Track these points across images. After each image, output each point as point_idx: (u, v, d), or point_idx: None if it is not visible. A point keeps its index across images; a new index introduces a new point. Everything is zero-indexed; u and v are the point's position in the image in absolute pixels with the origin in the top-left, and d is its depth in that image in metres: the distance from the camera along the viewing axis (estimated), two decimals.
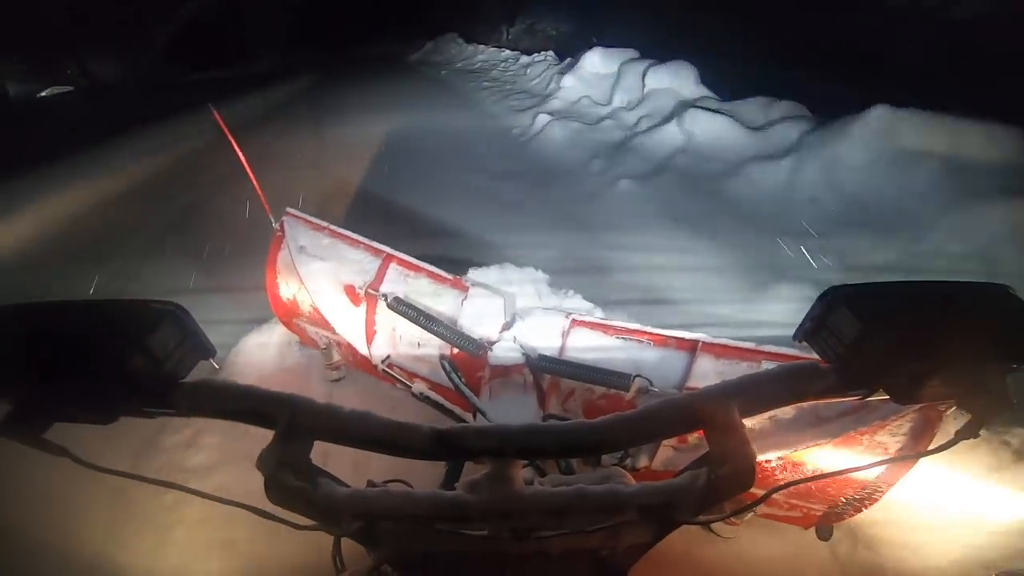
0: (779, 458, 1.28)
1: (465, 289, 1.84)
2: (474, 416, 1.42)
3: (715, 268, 3.47)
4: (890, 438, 1.21)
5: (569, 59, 9.74)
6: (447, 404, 1.62)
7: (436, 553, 0.66)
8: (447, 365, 1.59)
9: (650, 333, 1.62)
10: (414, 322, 1.72)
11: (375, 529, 0.64)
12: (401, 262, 1.92)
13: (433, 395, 1.64)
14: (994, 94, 4.31)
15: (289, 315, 2.14)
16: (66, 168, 5.39)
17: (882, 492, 1.28)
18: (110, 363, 0.55)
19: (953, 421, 0.61)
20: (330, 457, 0.72)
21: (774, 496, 0.65)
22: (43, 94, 11.92)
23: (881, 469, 1.25)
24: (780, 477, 1.31)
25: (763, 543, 1.62)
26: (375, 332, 1.92)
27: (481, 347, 1.63)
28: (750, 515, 0.90)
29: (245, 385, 0.62)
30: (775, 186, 4.34)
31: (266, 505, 0.60)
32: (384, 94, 10.89)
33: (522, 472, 0.60)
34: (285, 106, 10.36)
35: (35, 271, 3.65)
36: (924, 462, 1.15)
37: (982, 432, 0.59)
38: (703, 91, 6.55)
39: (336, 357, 2.21)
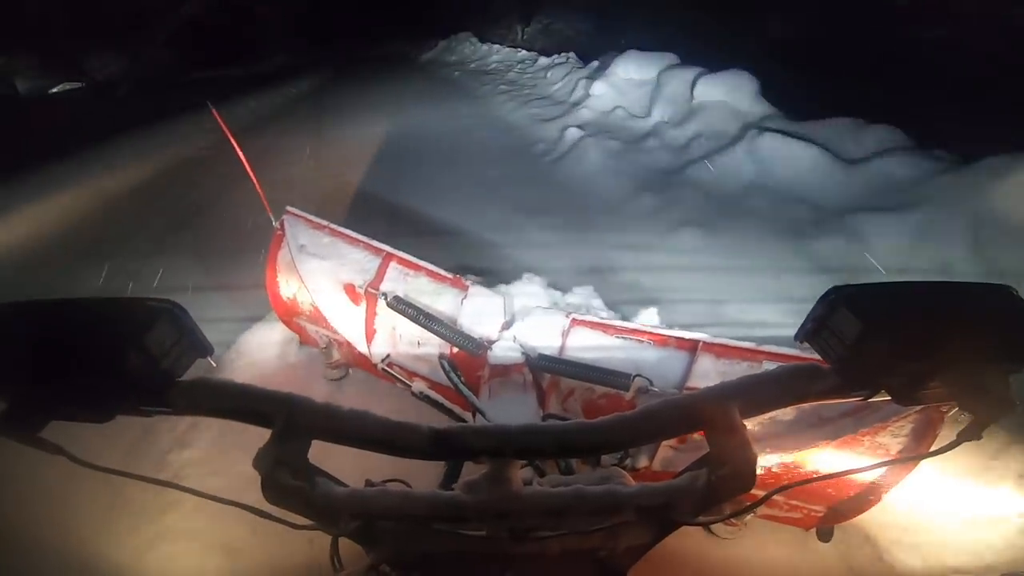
0: (780, 459, 1.27)
1: (465, 288, 1.84)
2: (473, 415, 1.42)
3: None
4: (892, 439, 1.20)
5: (595, 62, 9.08)
6: (447, 403, 1.62)
7: (434, 553, 0.66)
8: (446, 364, 1.58)
9: (650, 333, 1.61)
10: (414, 321, 1.71)
11: (373, 529, 0.64)
12: (401, 261, 1.91)
13: (433, 394, 1.64)
14: None
15: (289, 314, 2.14)
16: (62, 168, 5.41)
17: (883, 493, 1.28)
18: (107, 361, 0.55)
19: (955, 422, 0.60)
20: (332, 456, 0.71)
21: (775, 497, 0.65)
22: (55, 90, 11.91)
23: (882, 470, 1.25)
24: (781, 478, 1.31)
25: (764, 544, 1.62)
26: (375, 331, 1.92)
27: (480, 346, 1.63)
28: (750, 516, 0.90)
29: (242, 384, 0.62)
30: (900, 251, 2.98)
31: (264, 504, 0.60)
32: (391, 97, 10.33)
33: (521, 472, 0.60)
34: (285, 112, 9.82)
35: (38, 269, 3.65)
36: (927, 462, 1.15)
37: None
38: (765, 107, 5.44)
39: (336, 356, 2.21)
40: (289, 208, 1.99)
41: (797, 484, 0.69)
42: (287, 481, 0.58)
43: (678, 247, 3.57)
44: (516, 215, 4.26)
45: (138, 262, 3.63)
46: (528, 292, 2.15)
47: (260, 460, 0.58)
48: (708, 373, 1.49)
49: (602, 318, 1.73)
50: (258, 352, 2.44)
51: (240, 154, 1.77)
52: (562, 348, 1.66)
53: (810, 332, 0.63)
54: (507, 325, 1.74)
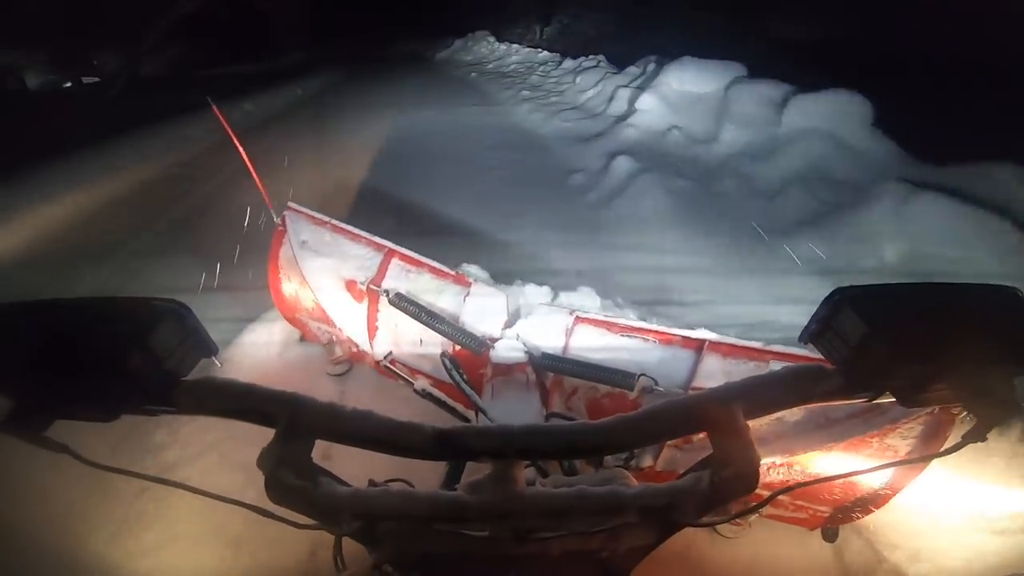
0: (785, 460, 1.27)
1: (468, 285, 1.83)
2: (476, 414, 1.42)
3: None
4: (901, 441, 1.20)
5: (633, 68, 8.18)
6: (450, 401, 1.61)
7: (436, 553, 0.66)
8: (448, 362, 1.58)
9: (656, 331, 1.61)
10: (416, 318, 1.71)
11: (376, 529, 0.64)
12: (403, 257, 1.91)
13: (436, 392, 1.64)
14: None
15: (291, 310, 2.14)
16: (55, 169, 5.10)
17: (890, 496, 1.27)
18: (111, 361, 0.55)
19: (966, 424, 0.60)
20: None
21: (780, 497, 0.65)
22: (68, 85, 11.87)
23: (890, 472, 1.24)
24: (786, 478, 1.31)
25: (769, 544, 1.61)
26: (377, 328, 1.92)
27: (483, 344, 1.62)
28: (755, 516, 0.90)
29: (246, 383, 0.62)
30: None
31: (267, 504, 0.60)
32: (403, 99, 9.61)
33: (524, 473, 0.60)
34: (281, 119, 8.66)
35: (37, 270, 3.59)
36: (936, 464, 1.14)
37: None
38: (884, 143, 4.21)
39: (338, 353, 2.21)
40: (291, 204, 1.99)
41: (802, 485, 0.69)
42: (290, 481, 0.59)
43: None
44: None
45: (139, 261, 3.65)
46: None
47: (264, 460, 0.58)
48: (714, 373, 1.49)
49: (606, 316, 1.72)
50: (257, 350, 2.46)
51: (241, 152, 1.77)
52: (566, 347, 1.66)
53: (814, 333, 0.63)
54: (510, 323, 1.73)
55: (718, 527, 1.56)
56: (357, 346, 1.93)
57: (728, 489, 0.59)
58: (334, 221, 1.98)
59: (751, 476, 0.58)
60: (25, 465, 1.49)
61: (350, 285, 1.92)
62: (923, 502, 1.56)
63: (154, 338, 0.57)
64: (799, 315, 1.63)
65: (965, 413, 0.61)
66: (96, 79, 12.17)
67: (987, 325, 0.58)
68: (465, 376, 1.55)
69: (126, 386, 0.56)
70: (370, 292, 1.86)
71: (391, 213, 4.36)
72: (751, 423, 0.60)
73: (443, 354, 1.63)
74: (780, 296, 2.83)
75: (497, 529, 0.62)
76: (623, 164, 4.78)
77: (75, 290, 3.23)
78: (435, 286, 1.88)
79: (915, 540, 1.62)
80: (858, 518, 1.37)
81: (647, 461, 1.40)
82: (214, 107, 1.92)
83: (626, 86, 7.42)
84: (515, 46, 15.08)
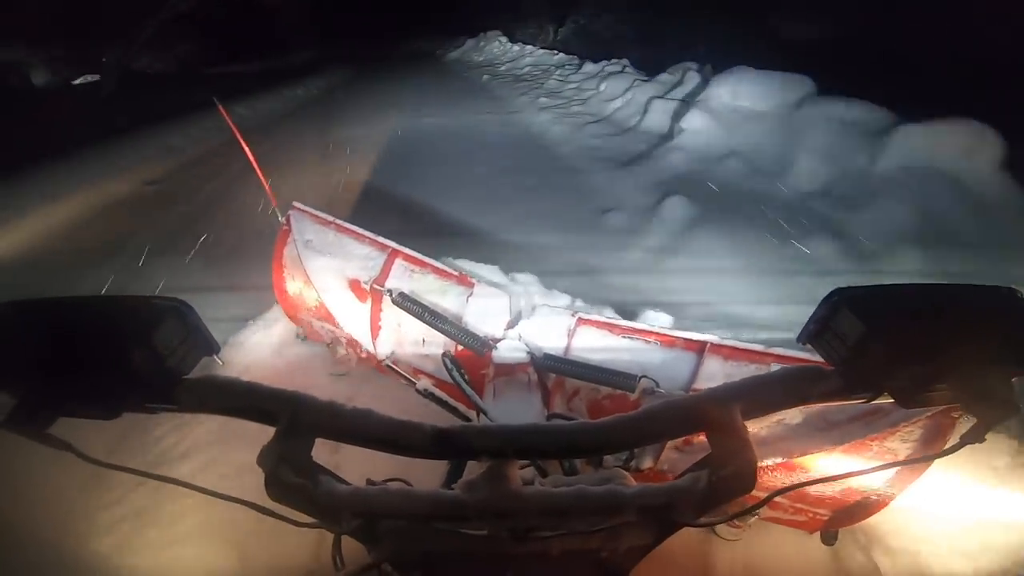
0: (785, 461, 1.27)
1: (471, 286, 1.83)
2: (477, 415, 1.42)
3: None
4: (901, 444, 1.19)
5: (666, 75, 7.47)
6: (452, 401, 1.62)
7: (436, 552, 0.66)
8: (449, 362, 1.58)
9: (657, 333, 1.61)
10: (419, 318, 1.72)
11: (375, 527, 0.65)
12: (407, 257, 1.91)
13: (438, 392, 1.64)
14: None
15: (295, 309, 2.15)
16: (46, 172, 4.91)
17: (889, 499, 1.27)
18: (114, 359, 0.55)
19: (966, 426, 0.60)
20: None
21: (779, 499, 0.65)
22: (77, 82, 11.89)
23: (889, 475, 1.24)
24: (785, 480, 1.30)
25: (768, 547, 1.61)
26: (380, 328, 1.93)
27: (485, 345, 1.62)
28: (754, 518, 0.90)
29: (247, 381, 0.62)
30: None
31: (267, 502, 0.61)
32: (409, 102, 9.02)
33: (523, 472, 0.60)
34: (282, 122, 8.29)
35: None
36: (937, 467, 1.14)
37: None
38: (1017, 188, 3.36)
39: (340, 352, 2.21)
40: (295, 204, 2.00)
41: (800, 486, 0.69)
42: (290, 479, 0.59)
43: None
44: None
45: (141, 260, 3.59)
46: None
47: (264, 457, 0.59)
48: (715, 375, 1.48)
49: (608, 317, 1.72)
50: (257, 349, 2.47)
51: (246, 150, 1.77)
52: (568, 348, 1.66)
53: (812, 334, 0.63)
54: (512, 324, 1.73)
55: (717, 529, 1.56)
56: (359, 345, 1.94)
57: (726, 489, 0.59)
58: (338, 221, 1.99)
59: (749, 476, 0.58)
60: (22, 462, 1.50)
61: (354, 285, 1.93)
62: (923, 505, 1.55)
63: (156, 336, 0.57)
64: None
65: (964, 415, 0.61)
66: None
67: (986, 325, 0.58)
68: (467, 376, 1.56)
69: (128, 384, 0.56)
70: (373, 292, 1.87)
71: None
72: (751, 426, 0.60)
73: (445, 354, 1.64)
74: None
75: (496, 528, 0.62)
76: (677, 208, 3.73)
77: None
78: (438, 286, 1.88)
79: (914, 544, 1.61)
80: (857, 521, 1.37)
81: (647, 462, 1.40)
82: (220, 107, 1.92)
83: (661, 97, 6.61)
84: (528, 47, 14.49)
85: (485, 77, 12.25)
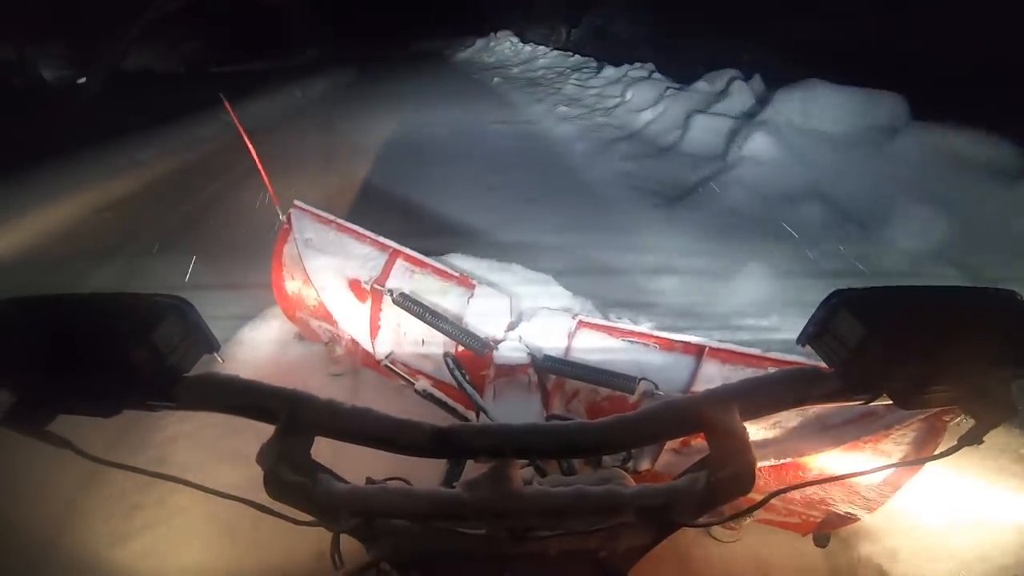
0: (780, 463, 1.27)
1: (472, 287, 1.84)
2: (477, 415, 1.42)
3: None
4: (894, 447, 1.20)
5: (702, 84, 6.75)
6: (450, 402, 1.62)
7: (434, 551, 0.66)
8: (451, 363, 1.59)
9: (656, 336, 1.61)
10: (419, 318, 1.72)
11: (374, 526, 0.65)
12: (408, 258, 1.91)
13: (436, 392, 1.64)
14: None
15: (293, 308, 2.15)
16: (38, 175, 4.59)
17: (882, 501, 1.28)
18: (114, 356, 0.55)
19: (958, 430, 0.60)
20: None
21: (773, 502, 0.65)
22: (83, 80, 11.84)
23: (882, 477, 1.24)
24: (781, 483, 1.31)
25: (761, 549, 1.61)
26: (379, 328, 1.93)
27: (486, 345, 1.63)
28: (749, 520, 0.90)
29: (247, 380, 0.62)
30: None
31: (266, 500, 0.61)
32: (412, 109, 8.20)
33: (522, 472, 0.60)
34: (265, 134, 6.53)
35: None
36: (930, 470, 1.14)
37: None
38: None
39: (339, 352, 2.22)
40: (296, 202, 2.00)
41: (797, 487, 0.69)
42: (289, 477, 0.59)
43: None
44: None
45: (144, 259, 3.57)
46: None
47: (263, 455, 0.59)
48: (713, 378, 1.48)
49: (607, 320, 1.73)
50: (255, 348, 2.47)
51: (251, 150, 1.77)
52: (568, 349, 1.66)
53: (812, 335, 0.63)
54: (513, 325, 1.74)
55: (712, 531, 1.57)
56: (358, 345, 1.94)
57: (725, 490, 0.59)
58: (339, 220, 1.99)
59: (747, 477, 0.58)
60: (22, 459, 1.50)
61: (353, 284, 1.93)
62: (917, 507, 1.56)
63: (156, 334, 0.57)
64: None
65: (958, 419, 0.61)
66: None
67: (985, 327, 0.58)
68: (467, 376, 1.56)
69: (128, 382, 0.56)
70: (374, 292, 1.87)
71: None
72: (749, 428, 0.61)
73: (446, 354, 1.64)
74: None
75: (495, 528, 0.62)
76: (759, 283, 2.72)
77: None
78: (439, 287, 1.88)
79: (910, 545, 1.61)
80: (850, 523, 1.37)
81: (645, 464, 1.41)
82: (226, 103, 1.91)
83: (704, 112, 5.81)
84: (541, 48, 13.77)
85: (496, 80, 11.44)
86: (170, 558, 1.68)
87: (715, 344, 1.53)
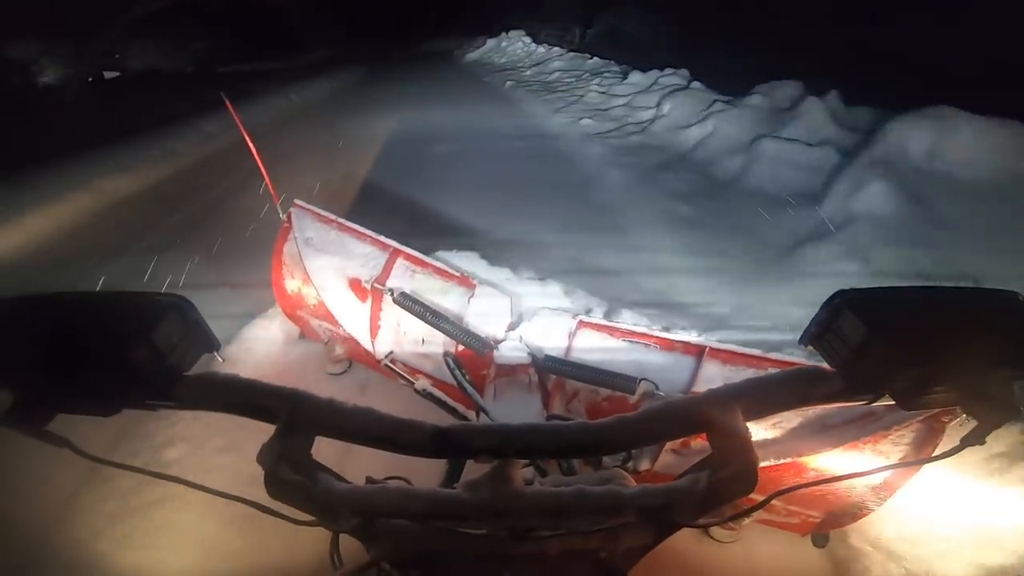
0: (780, 464, 1.27)
1: (472, 287, 1.84)
2: (477, 414, 1.42)
3: None
4: (892, 447, 1.20)
5: (757, 98, 5.77)
6: (450, 401, 1.62)
7: (434, 551, 0.66)
8: (451, 362, 1.59)
9: (657, 337, 1.61)
10: (420, 318, 1.72)
11: (374, 526, 0.64)
12: (408, 257, 1.91)
13: (436, 392, 1.64)
14: None
15: (293, 307, 2.15)
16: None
17: (881, 501, 1.28)
18: (113, 355, 0.55)
19: (957, 431, 0.60)
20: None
21: (773, 502, 0.65)
22: (91, 79, 11.77)
23: (881, 478, 1.24)
24: (781, 483, 1.31)
25: (760, 549, 1.61)
26: (379, 327, 1.92)
27: (487, 345, 1.62)
28: (749, 520, 0.90)
29: (248, 379, 0.62)
30: None
31: (266, 499, 0.61)
32: (413, 119, 7.28)
33: (522, 472, 0.60)
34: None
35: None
36: (930, 470, 1.14)
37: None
38: None
39: (338, 351, 2.21)
40: (297, 201, 1.99)
41: (798, 488, 0.69)
42: (289, 476, 0.59)
43: None
44: None
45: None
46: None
47: (264, 455, 0.59)
48: (714, 379, 1.48)
49: (608, 321, 1.73)
50: (255, 347, 2.47)
51: (252, 148, 1.77)
52: (568, 349, 1.66)
53: (814, 336, 0.63)
54: (514, 325, 1.74)
55: (712, 532, 1.57)
56: (358, 344, 1.94)
57: (726, 490, 0.59)
58: (340, 219, 1.99)
59: (750, 477, 0.58)
60: (19, 457, 1.49)
61: (354, 283, 1.93)
62: (917, 507, 1.56)
63: (156, 333, 0.57)
64: None
65: (957, 420, 0.61)
66: (117, 73, 12.02)
67: (987, 328, 0.57)
68: (468, 376, 1.56)
69: (128, 381, 0.56)
70: (374, 291, 1.87)
71: None
72: (751, 428, 0.60)
73: (446, 354, 1.64)
74: None
75: (495, 527, 0.62)
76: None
77: None
78: (440, 287, 1.88)
79: (908, 545, 1.61)
80: (848, 523, 1.37)
81: (645, 464, 1.41)
82: (228, 103, 1.90)
83: (773, 136, 4.73)
84: (555, 49, 12.98)
85: (508, 83, 10.51)
86: (168, 557, 1.68)
87: (716, 344, 1.52)
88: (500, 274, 2.48)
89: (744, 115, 5.56)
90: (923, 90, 4.09)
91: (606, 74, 9.60)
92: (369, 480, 0.65)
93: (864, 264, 2.96)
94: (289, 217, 1.97)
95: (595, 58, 11.07)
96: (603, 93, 8.46)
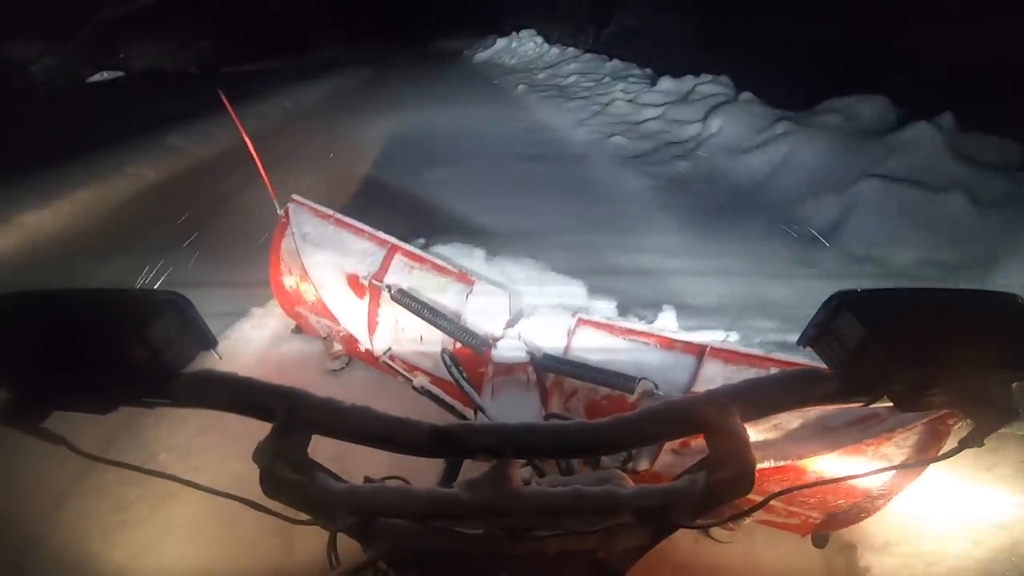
0: (780, 465, 1.27)
1: (471, 283, 1.83)
2: (475, 413, 1.42)
3: None
4: (895, 450, 1.19)
5: (834, 116, 4.67)
6: (448, 399, 1.61)
7: (432, 551, 0.66)
8: (449, 360, 1.58)
9: (657, 336, 1.61)
10: (417, 315, 1.71)
11: (371, 525, 0.64)
12: (406, 253, 1.91)
13: (434, 389, 1.64)
14: None
15: (291, 303, 2.15)
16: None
17: (882, 503, 1.28)
18: (109, 353, 0.55)
19: (961, 433, 0.60)
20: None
21: (773, 503, 0.64)
22: (93, 79, 11.73)
23: (883, 480, 1.24)
24: (780, 484, 1.30)
25: (760, 550, 1.61)
26: (377, 323, 1.92)
27: (485, 343, 1.62)
28: (748, 521, 0.90)
29: (244, 377, 0.62)
30: None
31: (262, 498, 0.60)
32: (413, 130, 6.55)
33: (520, 472, 0.60)
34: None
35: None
36: (932, 472, 1.14)
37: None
38: None
39: (336, 347, 2.21)
40: (294, 196, 1.99)
41: (795, 489, 0.69)
42: (286, 475, 0.58)
43: None
44: None
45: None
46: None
47: (260, 453, 0.58)
48: (714, 379, 1.48)
49: (608, 319, 1.72)
50: (252, 343, 2.47)
51: (249, 146, 1.77)
52: (567, 348, 1.66)
53: (812, 337, 0.62)
54: (512, 323, 1.73)
55: (711, 532, 1.57)
56: (356, 341, 1.93)
57: (724, 491, 0.59)
58: (338, 215, 1.98)
59: (747, 478, 0.57)
60: (17, 457, 1.48)
61: (352, 280, 1.92)
62: (917, 509, 1.56)
63: (153, 330, 0.57)
64: None
65: (960, 424, 0.61)
66: (121, 73, 11.95)
67: (986, 330, 0.57)
68: (465, 374, 1.56)
69: (124, 378, 0.56)
70: (372, 287, 1.86)
71: None
72: (750, 430, 0.60)
73: (444, 351, 1.63)
74: None
75: (493, 527, 0.62)
76: None
77: None
78: (438, 284, 1.88)
79: (908, 547, 1.61)
80: (849, 525, 1.37)
81: (643, 464, 1.40)
82: (226, 102, 1.89)
83: (884, 177, 3.57)
84: (570, 49, 12.27)
85: (521, 87, 9.58)
86: (165, 556, 1.68)
87: (716, 344, 1.52)
88: None
89: (821, 139, 4.27)
90: None
91: (631, 79, 8.58)
92: (367, 479, 0.65)
93: None
94: (287, 212, 1.97)
95: (614, 60, 10.20)
96: (630, 101, 7.35)
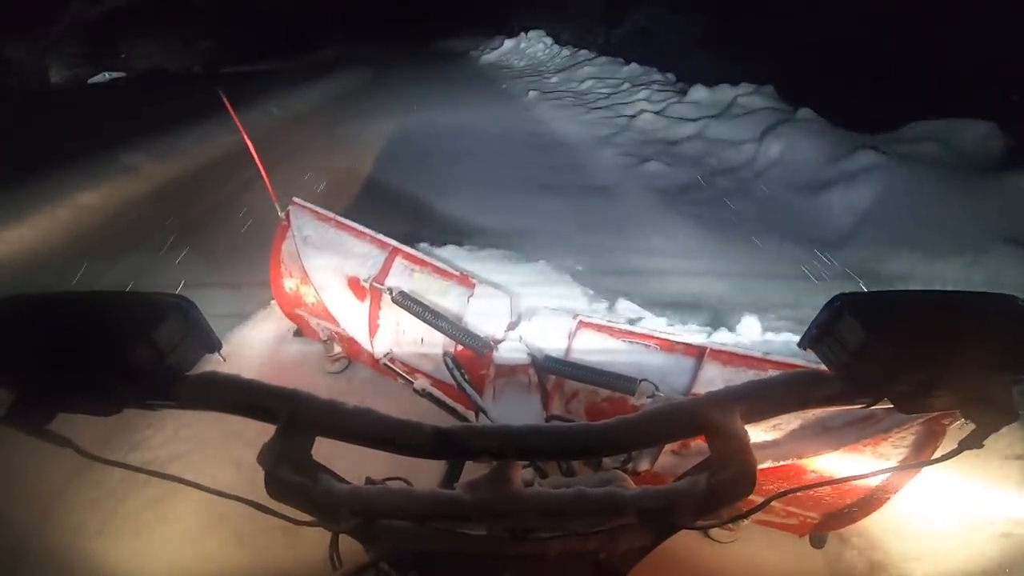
0: (779, 465, 1.27)
1: (472, 286, 1.83)
2: (476, 415, 1.42)
3: None
4: (892, 450, 1.20)
5: (931, 142, 3.70)
6: (449, 401, 1.62)
7: (434, 552, 0.66)
8: (450, 362, 1.58)
9: (657, 338, 1.61)
10: (419, 317, 1.71)
11: (373, 526, 0.64)
12: (407, 256, 1.91)
13: (435, 392, 1.64)
14: None
15: (292, 305, 2.15)
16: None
17: (880, 503, 1.28)
18: (114, 355, 0.55)
19: (957, 433, 0.60)
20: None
21: (772, 503, 0.65)
22: (95, 79, 11.67)
23: (881, 480, 1.24)
24: (779, 484, 1.31)
25: (759, 550, 1.61)
26: (378, 326, 1.92)
27: (486, 345, 1.62)
28: (747, 521, 0.90)
29: (248, 379, 0.62)
30: None
31: (266, 500, 0.61)
32: (412, 139, 5.99)
33: (522, 473, 0.60)
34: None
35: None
36: (930, 473, 1.14)
37: None
38: None
39: (337, 349, 2.21)
40: (295, 199, 1.99)
41: (797, 490, 0.69)
42: (289, 477, 0.59)
43: None
44: None
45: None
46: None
47: (264, 455, 0.59)
48: (714, 380, 1.48)
49: (609, 321, 1.72)
50: (253, 346, 2.47)
51: (250, 146, 1.77)
52: (568, 350, 1.66)
53: (814, 339, 0.63)
54: (513, 325, 1.73)
55: (711, 532, 1.57)
56: (357, 343, 1.94)
57: (725, 492, 0.59)
58: (338, 218, 1.98)
59: (748, 479, 0.58)
60: (18, 458, 1.47)
61: (352, 282, 1.92)
62: (916, 509, 1.56)
63: (157, 333, 0.57)
64: None
65: (957, 423, 0.61)
66: (123, 74, 11.89)
67: (986, 332, 0.58)
68: (467, 376, 1.56)
69: (128, 380, 0.56)
70: (373, 290, 1.86)
71: None
72: (749, 430, 0.61)
73: (446, 353, 1.64)
74: None
75: (495, 528, 0.62)
76: None
77: None
78: (439, 286, 1.88)
79: (906, 546, 1.61)
80: (847, 525, 1.37)
81: (644, 465, 1.40)
82: (226, 101, 1.88)
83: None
84: (581, 52, 11.69)
85: (532, 93, 8.67)
86: (164, 556, 1.68)
87: (716, 346, 1.52)
88: None
89: (921, 176, 3.33)
90: None
91: (654, 86, 7.63)
92: (369, 481, 0.65)
93: None
94: (287, 215, 1.97)
95: (632, 64, 9.36)
96: (659, 114, 6.29)
